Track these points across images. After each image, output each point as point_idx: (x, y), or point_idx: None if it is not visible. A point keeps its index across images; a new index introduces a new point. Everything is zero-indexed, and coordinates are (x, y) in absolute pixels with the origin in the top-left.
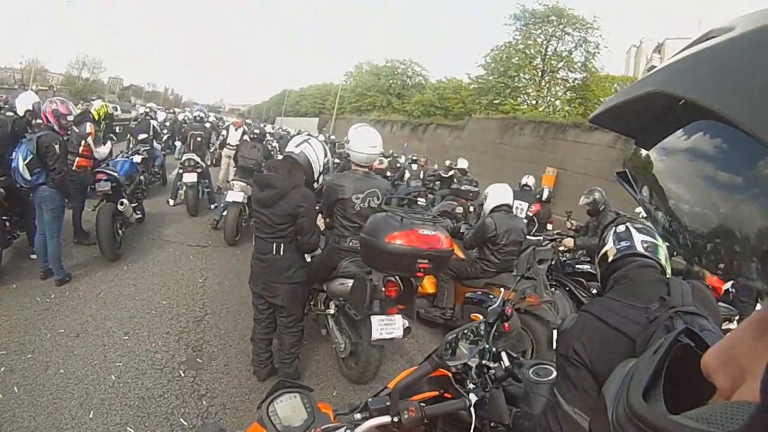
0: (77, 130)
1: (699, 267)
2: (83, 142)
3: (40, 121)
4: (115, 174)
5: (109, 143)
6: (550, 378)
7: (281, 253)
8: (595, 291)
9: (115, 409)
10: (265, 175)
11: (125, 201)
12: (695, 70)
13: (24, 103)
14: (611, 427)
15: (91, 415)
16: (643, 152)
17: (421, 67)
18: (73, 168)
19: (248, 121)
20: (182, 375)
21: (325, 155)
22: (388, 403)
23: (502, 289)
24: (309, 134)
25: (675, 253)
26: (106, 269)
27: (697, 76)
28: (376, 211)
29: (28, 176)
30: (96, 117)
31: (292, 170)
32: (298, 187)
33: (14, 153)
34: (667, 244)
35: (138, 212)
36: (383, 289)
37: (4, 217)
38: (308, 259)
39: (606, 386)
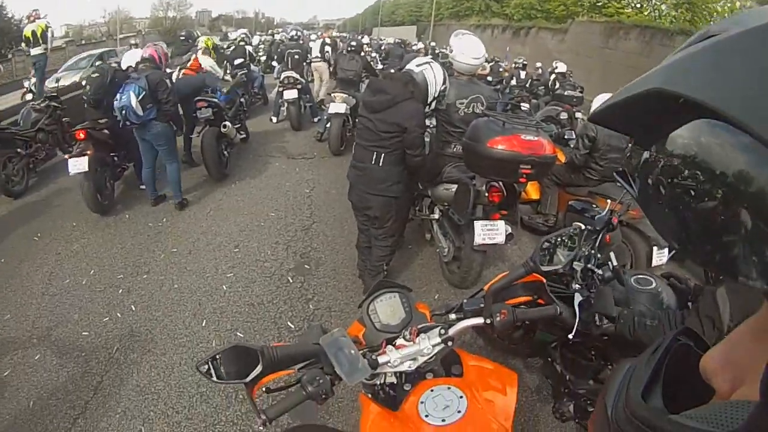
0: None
1: (698, 266)
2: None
3: (141, 65)
4: (215, 100)
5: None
6: (649, 288)
7: (380, 164)
8: None
9: (226, 317)
10: (380, 80)
11: (228, 123)
12: (695, 68)
13: (130, 59)
14: (610, 427)
15: (203, 324)
16: (643, 151)
17: None
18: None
19: (344, 34)
20: (290, 281)
21: (444, 83)
22: (482, 305)
23: (608, 201)
24: (433, 59)
25: None
26: (214, 189)
27: (696, 75)
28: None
29: (140, 112)
30: (208, 47)
31: (408, 84)
32: (412, 99)
33: (120, 95)
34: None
35: (242, 132)
36: (486, 194)
37: (112, 154)
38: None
39: (606, 386)
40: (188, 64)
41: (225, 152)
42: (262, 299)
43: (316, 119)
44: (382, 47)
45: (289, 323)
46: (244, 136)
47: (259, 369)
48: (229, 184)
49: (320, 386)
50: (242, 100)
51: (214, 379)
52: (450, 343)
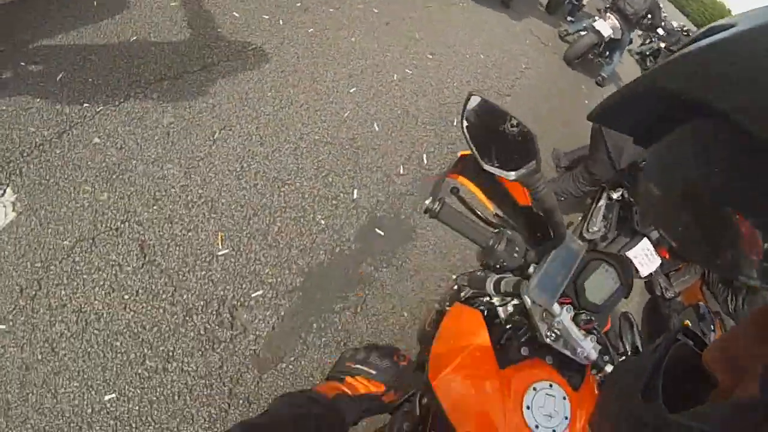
0: None
1: (698, 265)
2: None
3: None
4: None
5: None
6: None
7: None
8: None
9: (375, 101)
10: None
11: None
12: (695, 67)
13: None
14: (609, 426)
15: (352, 90)
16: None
17: None
18: None
19: None
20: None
21: None
22: None
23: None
24: None
25: None
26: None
27: (697, 74)
28: None
29: None
30: None
31: None
32: None
33: None
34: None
35: None
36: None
37: None
38: None
39: (606, 386)
40: None
41: None
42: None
43: (570, 18)
44: None
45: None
46: None
47: None
48: None
49: None
50: None
51: None
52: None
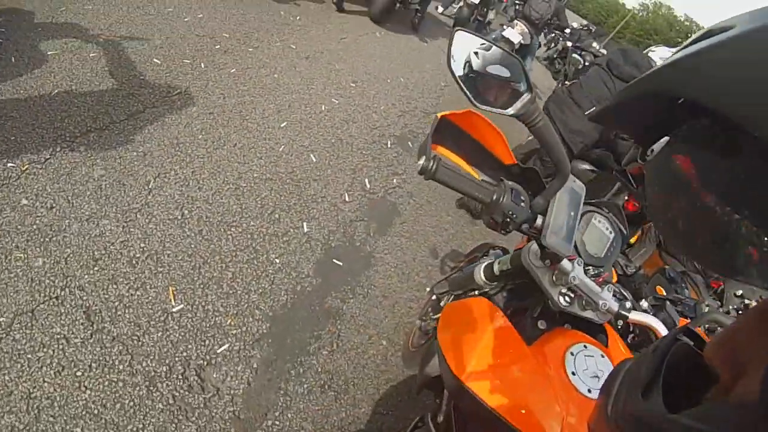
0: None
1: (698, 264)
2: None
3: None
4: None
5: None
6: None
7: None
8: None
9: (307, 133)
10: None
11: None
12: (695, 68)
13: None
14: (609, 427)
15: (283, 125)
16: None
17: None
18: None
19: None
20: (389, 146)
21: None
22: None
23: (697, 292)
24: None
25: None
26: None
27: (696, 75)
28: None
29: None
30: None
31: None
32: None
33: None
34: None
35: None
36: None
37: None
38: None
39: (605, 386)
40: None
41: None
42: (355, 139)
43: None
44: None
45: (366, 182)
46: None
47: None
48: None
49: None
50: None
51: None
52: (620, 322)
